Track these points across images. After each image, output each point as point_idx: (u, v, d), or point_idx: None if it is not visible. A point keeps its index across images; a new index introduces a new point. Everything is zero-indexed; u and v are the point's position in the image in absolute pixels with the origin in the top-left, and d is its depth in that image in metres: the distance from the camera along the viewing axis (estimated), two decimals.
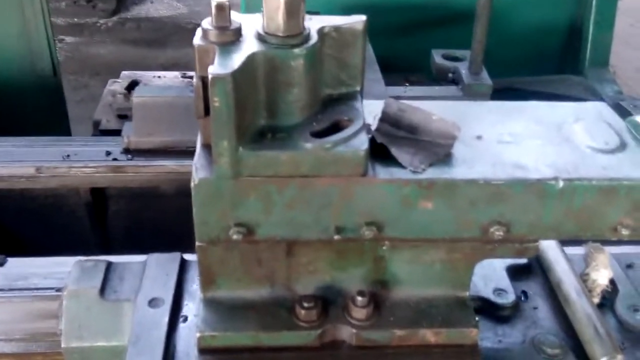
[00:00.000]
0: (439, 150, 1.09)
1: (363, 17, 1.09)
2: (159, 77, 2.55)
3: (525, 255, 1.15)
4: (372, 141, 1.07)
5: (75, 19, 6.54)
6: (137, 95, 1.99)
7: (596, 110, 1.23)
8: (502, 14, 2.87)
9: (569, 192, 1.05)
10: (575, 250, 1.44)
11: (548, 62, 3.10)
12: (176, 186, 1.87)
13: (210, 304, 1.11)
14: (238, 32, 1.00)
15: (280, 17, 0.98)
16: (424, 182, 1.04)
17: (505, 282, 1.35)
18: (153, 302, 1.29)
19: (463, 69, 2.17)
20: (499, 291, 1.34)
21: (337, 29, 1.07)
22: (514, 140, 1.14)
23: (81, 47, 6.15)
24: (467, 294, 1.17)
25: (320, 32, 1.05)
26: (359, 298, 1.10)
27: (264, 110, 1.02)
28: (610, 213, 1.07)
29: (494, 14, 2.79)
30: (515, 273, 1.39)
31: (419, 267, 1.13)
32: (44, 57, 2.94)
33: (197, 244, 1.07)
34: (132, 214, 2.07)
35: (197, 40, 1.00)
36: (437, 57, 2.29)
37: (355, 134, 1.03)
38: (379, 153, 1.07)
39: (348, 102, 1.11)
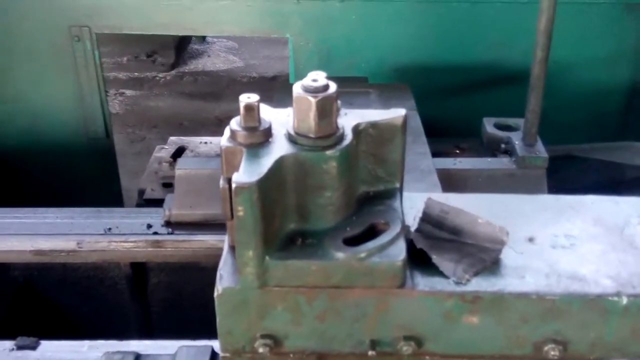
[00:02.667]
0: (485, 257, 0.99)
1: (402, 112, 1.02)
2: (206, 142, 2.54)
3: None
4: (411, 245, 0.99)
5: (136, 73, 6.75)
6: (179, 168, 1.97)
7: None
8: (557, 76, 2.76)
9: (635, 309, 0.94)
10: None
11: (608, 126, 2.95)
12: (216, 261, 1.81)
13: None
14: (267, 133, 0.95)
15: (311, 118, 0.92)
16: (468, 296, 0.94)
17: None
18: None
19: (516, 139, 2.07)
20: None
21: (374, 125, 1.00)
22: (570, 245, 1.03)
23: (140, 100, 6.32)
24: None
25: (356, 129, 0.98)
26: None
27: (295, 214, 0.96)
28: None
29: (548, 76, 2.68)
30: None
31: None
32: (97, 120, 2.99)
33: (221, 354, 1.00)
34: (173, 287, 2.03)
35: (224, 141, 0.95)
36: (489, 126, 2.19)
37: (392, 241, 0.95)
38: (419, 258, 0.98)
39: (386, 202, 1.03)
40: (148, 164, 2.36)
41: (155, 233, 1.90)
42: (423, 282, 0.96)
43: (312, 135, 0.93)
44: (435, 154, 2.21)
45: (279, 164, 0.91)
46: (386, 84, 2.46)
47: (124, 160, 3.69)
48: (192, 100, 6.33)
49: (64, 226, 1.89)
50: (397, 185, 1.06)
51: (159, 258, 1.89)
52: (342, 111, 1.02)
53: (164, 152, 2.39)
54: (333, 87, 0.93)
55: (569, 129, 2.77)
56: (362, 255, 0.92)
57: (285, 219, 0.95)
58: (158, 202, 2.08)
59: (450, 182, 1.96)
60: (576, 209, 1.12)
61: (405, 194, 1.11)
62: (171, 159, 2.27)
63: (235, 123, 0.95)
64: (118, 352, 1.33)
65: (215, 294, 0.95)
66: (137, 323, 2.04)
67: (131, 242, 1.86)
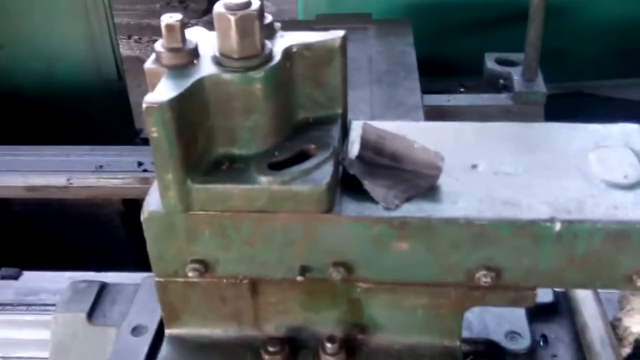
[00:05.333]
0: (421, 183, 0.96)
1: (340, 33, 0.98)
2: None
3: (521, 304, 1.00)
4: (346, 172, 0.97)
5: None
6: None
7: (624, 134, 1.05)
8: (580, 8, 2.61)
9: (569, 235, 0.90)
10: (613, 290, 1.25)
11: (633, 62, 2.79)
12: None
13: (175, 341, 1.05)
14: (192, 54, 0.92)
15: (232, 37, 0.89)
16: (396, 222, 0.92)
17: (521, 323, 1.20)
18: (136, 330, 1.24)
19: (516, 74, 1.98)
20: (512, 334, 1.18)
21: (308, 47, 0.97)
22: (514, 172, 0.99)
23: None
24: (458, 343, 1.03)
25: (288, 51, 0.95)
26: (329, 344, 1.00)
27: (222, 138, 0.94)
28: (622, 261, 0.91)
29: (570, 9, 2.53)
30: (536, 313, 1.23)
31: (399, 312, 1.01)
32: (108, 61, 3.00)
33: (155, 279, 1.01)
34: None
35: (148, 63, 0.93)
36: (490, 61, 2.10)
37: (319, 165, 0.92)
38: (354, 186, 0.96)
39: (324, 128, 1.00)
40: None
41: (145, 170, 1.92)
42: (351, 208, 0.94)
43: (235, 56, 0.90)
44: (439, 92, 2.16)
45: (199, 84, 0.89)
46: (387, 19, 2.38)
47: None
48: None
49: (56, 163, 1.93)
50: (338, 111, 1.03)
51: None
52: (279, 34, 0.99)
53: None
54: (255, 4, 0.90)
55: (591, 65, 2.63)
56: (285, 178, 0.91)
57: (211, 143, 0.94)
58: None
59: (444, 119, 1.91)
60: (534, 135, 1.07)
61: (356, 123, 1.08)
62: None
63: (159, 44, 0.93)
64: (84, 280, 1.36)
65: (142, 217, 0.95)
66: (133, 258, 2.08)
67: (120, 178, 1.89)
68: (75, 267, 1.63)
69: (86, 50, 2.98)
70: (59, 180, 1.86)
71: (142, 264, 1.97)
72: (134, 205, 2.01)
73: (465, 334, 1.09)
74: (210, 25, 0.96)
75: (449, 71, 2.56)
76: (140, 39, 6.00)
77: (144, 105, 0.85)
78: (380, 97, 1.86)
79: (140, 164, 1.94)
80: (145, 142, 2.18)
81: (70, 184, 1.86)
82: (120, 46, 3.05)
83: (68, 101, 3.00)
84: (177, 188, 0.90)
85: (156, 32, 6.42)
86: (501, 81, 2.04)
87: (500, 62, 2.12)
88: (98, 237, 2.07)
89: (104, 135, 3.04)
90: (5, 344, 1.35)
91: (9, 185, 1.89)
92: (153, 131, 0.86)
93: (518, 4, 2.69)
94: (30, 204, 1.99)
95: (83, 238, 2.07)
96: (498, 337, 1.17)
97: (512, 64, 2.10)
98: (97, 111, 3.07)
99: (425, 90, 1.92)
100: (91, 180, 1.87)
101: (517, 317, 1.21)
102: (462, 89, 2.32)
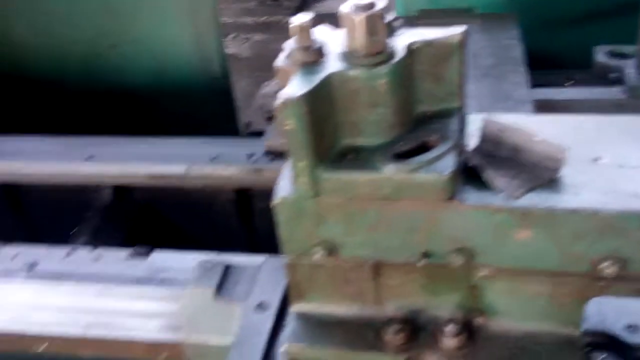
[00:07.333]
0: (541, 174, 0.98)
1: (461, 30, 1.02)
2: None
3: None
4: (467, 164, 1.01)
5: (263, 18, 6.95)
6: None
7: None
8: None
9: None
10: None
11: None
12: None
13: (300, 317, 1.13)
14: (321, 52, 0.99)
15: (359, 35, 0.95)
16: (518, 211, 0.95)
17: None
18: (259, 307, 1.33)
19: (629, 68, 1.92)
20: (632, 327, 1.18)
21: (429, 43, 1.01)
22: (638, 166, 0.99)
23: (266, 44, 6.51)
24: (579, 332, 1.05)
25: (410, 47, 1.00)
26: (450, 326, 1.04)
27: (347, 131, 1.00)
28: None
29: None
30: None
31: (519, 299, 1.04)
32: (214, 60, 3.15)
33: (285, 260, 1.09)
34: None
35: (279, 61, 1.01)
36: (600, 53, 2.05)
37: (442, 155, 0.97)
38: (475, 176, 1.00)
39: (443, 121, 1.04)
40: (255, 98, 2.47)
41: (256, 162, 2.02)
42: (474, 197, 0.97)
43: (361, 53, 0.96)
44: (545, 86, 2.13)
45: (327, 80, 0.95)
46: (491, 13, 2.37)
47: (250, 101, 3.83)
48: None
49: (175, 154, 2.06)
50: (456, 105, 1.06)
51: (260, 185, 2.01)
52: (400, 31, 1.03)
53: (270, 87, 2.49)
54: (380, 3, 0.95)
55: None
56: (410, 168, 0.96)
57: (337, 135, 1.00)
58: (262, 135, 2.19)
59: (554, 113, 1.88)
60: None
61: (473, 116, 1.11)
62: (275, 94, 2.36)
63: (290, 43, 1.00)
64: (209, 261, 1.47)
65: (274, 202, 1.03)
66: (245, 245, 2.19)
67: (233, 169, 2.00)
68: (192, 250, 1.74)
69: (193, 49, 3.13)
70: (178, 169, 1.99)
71: (252, 249, 2.07)
72: (244, 195, 2.12)
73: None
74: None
75: (555, 64, 2.51)
76: (236, 36, 6.20)
77: (279, 100, 0.92)
78: (487, 91, 1.86)
79: (250, 155, 2.04)
80: (254, 135, 2.29)
81: (189, 173, 1.98)
82: None
83: (176, 98, 3.16)
84: (308, 175, 0.97)
85: (250, 30, 6.63)
86: (612, 74, 1.99)
87: (611, 54, 2.07)
88: (212, 224, 2.19)
89: (210, 131, 3.20)
90: (136, 315, 1.47)
91: (132, 174, 2.04)
92: (288, 123, 0.93)
93: None
94: (150, 192, 2.14)
95: (198, 225, 2.19)
96: (617, 329, 1.17)
97: (624, 56, 2.04)
98: (204, 107, 3.22)
99: (532, 84, 1.90)
100: (207, 170, 1.99)
101: (636, 309, 1.20)
102: (569, 83, 2.28)
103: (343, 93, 0.96)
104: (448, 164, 0.96)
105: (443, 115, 1.05)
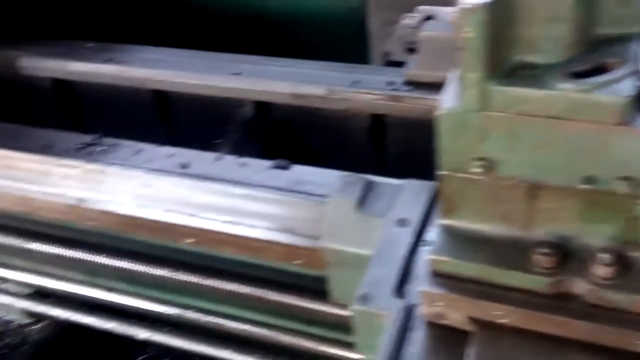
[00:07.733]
0: None
1: None
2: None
3: None
4: None
5: None
6: (425, 30, 2.04)
7: None
8: None
9: None
10: None
11: None
12: None
13: (447, 230, 1.15)
14: None
15: None
16: None
17: None
18: (400, 223, 1.37)
19: None
20: None
21: None
22: None
23: None
24: None
25: None
26: (604, 254, 1.03)
27: (523, 46, 0.99)
28: None
29: None
30: None
31: None
32: None
33: (440, 172, 1.11)
34: (408, 142, 2.16)
35: None
36: None
37: (621, 78, 0.94)
38: None
39: (625, 44, 1.00)
40: (395, 29, 2.46)
41: (396, 89, 2.03)
42: None
43: None
44: None
45: None
46: None
47: (378, 42, 3.82)
48: None
49: (317, 76, 2.11)
50: None
51: (397, 112, 2.03)
52: None
53: (411, 19, 2.46)
54: None
55: None
56: (586, 87, 0.94)
57: (512, 50, 0.99)
58: (401, 65, 2.19)
59: None
60: None
61: None
62: (417, 26, 2.34)
63: None
64: (352, 174, 1.52)
65: (438, 113, 1.04)
66: (375, 174, 2.23)
67: (373, 94, 2.02)
68: None
69: None
70: (320, 90, 2.05)
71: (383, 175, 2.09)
72: (380, 122, 2.15)
73: None
74: None
75: None
76: None
77: (461, 7, 0.92)
78: None
79: (391, 83, 2.05)
80: (393, 65, 2.29)
81: (329, 94, 2.03)
82: None
83: (312, 25, 3.21)
84: (478, 87, 0.98)
85: None
86: None
87: None
88: (344, 148, 2.24)
89: (343, 61, 3.24)
90: (278, 219, 1.56)
91: (276, 91, 2.12)
92: (467, 31, 0.94)
93: None
94: (289, 111, 2.21)
95: (330, 147, 2.26)
96: None
97: None
98: (339, 36, 3.25)
99: None
100: (347, 94, 2.03)
101: None
102: None
103: (525, 4, 0.95)
104: (627, 87, 0.93)
105: (624, 39, 1.01)
